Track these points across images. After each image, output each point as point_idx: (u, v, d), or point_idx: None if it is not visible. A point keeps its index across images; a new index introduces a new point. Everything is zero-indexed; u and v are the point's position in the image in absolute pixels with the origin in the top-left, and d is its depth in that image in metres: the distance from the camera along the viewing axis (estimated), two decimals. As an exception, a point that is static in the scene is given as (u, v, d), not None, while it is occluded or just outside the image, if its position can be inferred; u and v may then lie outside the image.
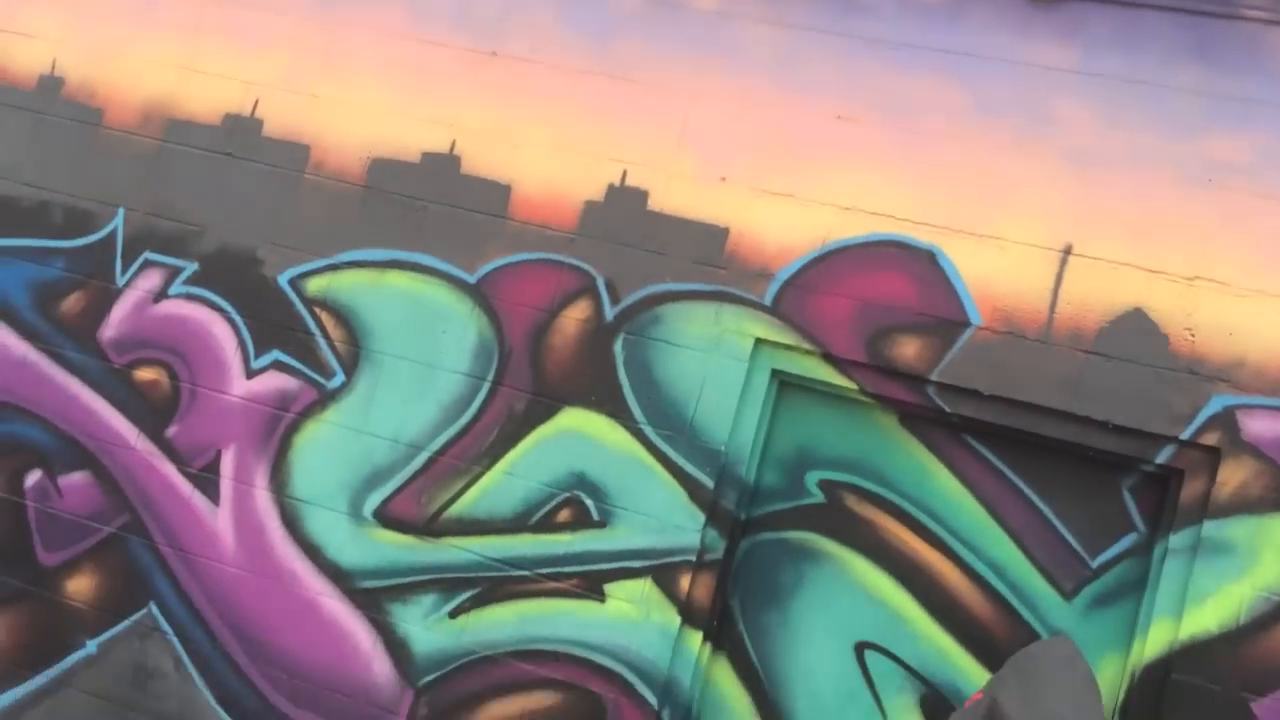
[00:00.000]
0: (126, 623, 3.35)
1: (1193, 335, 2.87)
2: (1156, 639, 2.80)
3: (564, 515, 3.15)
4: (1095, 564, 2.99)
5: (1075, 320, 2.94)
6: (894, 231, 3.09)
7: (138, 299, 3.50)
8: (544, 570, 3.14)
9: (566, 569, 3.13)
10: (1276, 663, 2.70)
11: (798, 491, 3.21)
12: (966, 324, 3.00)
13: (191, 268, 3.48)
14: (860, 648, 3.09)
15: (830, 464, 3.19)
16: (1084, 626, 2.96)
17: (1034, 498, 3.05)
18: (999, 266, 3.01)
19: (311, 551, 3.25)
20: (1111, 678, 2.92)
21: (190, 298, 3.47)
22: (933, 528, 3.09)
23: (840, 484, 3.18)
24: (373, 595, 3.21)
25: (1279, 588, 2.73)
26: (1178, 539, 2.83)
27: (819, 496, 3.19)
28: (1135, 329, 2.90)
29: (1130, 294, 2.92)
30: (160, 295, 3.48)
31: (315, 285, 3.40)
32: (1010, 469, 3.07)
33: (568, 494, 3.16)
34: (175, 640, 3.30)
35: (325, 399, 3.33)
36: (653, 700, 3.02)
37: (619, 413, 3.17)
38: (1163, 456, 2.89)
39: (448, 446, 3.24)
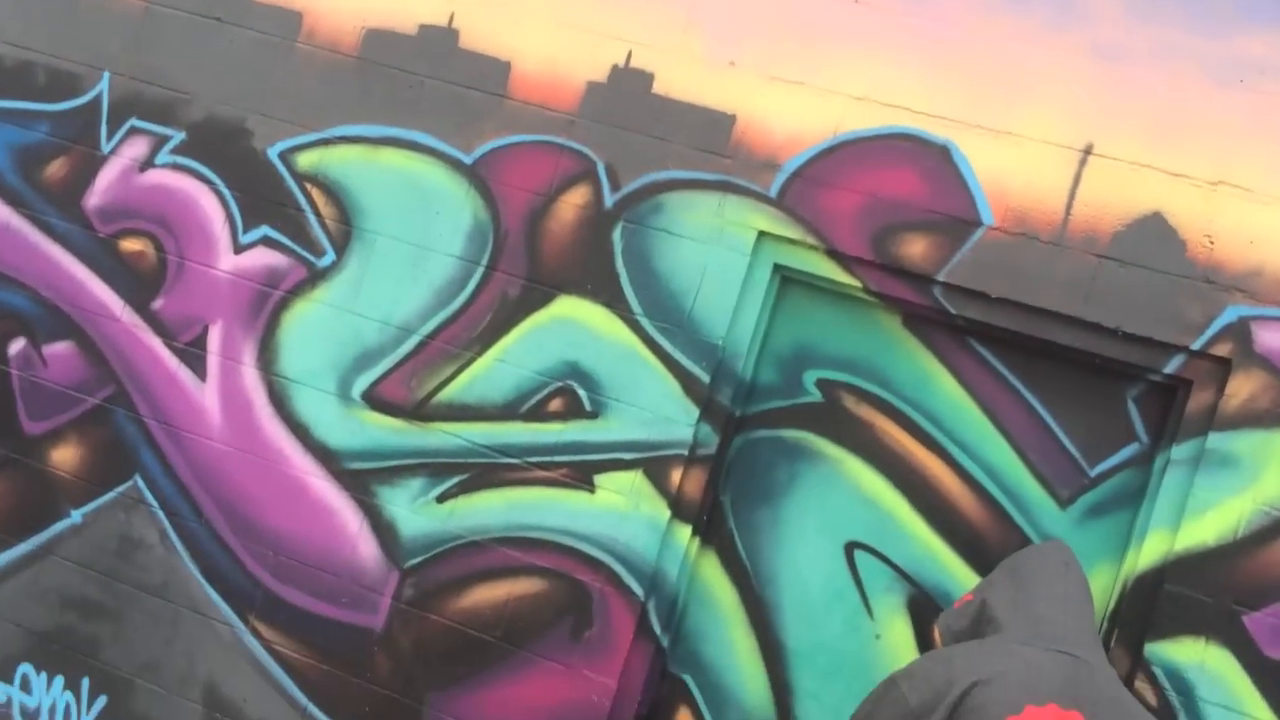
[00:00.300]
0: (111, 494, 3.33)
1: (1211, 242, 2.77)
2: (1151, 549, 2.77)
3: (555, 404, 3.10)
4: (1094, 473, 2.94)
5: (1091, 223, 2.83)
6: (908, 124, 2.96)
7: (124, 167, 3.39)
8: (533, 459, 3.10)
9: (557, 458, 3.09)
10: (1272, 577, 2.66)
11: (795, 390, 3.14)
12: (978, 224, 2.90)
13: (179, 136, 3.37)
14: (850, 548, 3.06)
15: (830, 363, 3.12)
16: (1078, 535, 2.92)
17: (1036, 405, 2.98)
18: (1015, 164, 2.89)
19: (299, 431, 3.21)
20: (1103, 586, 2.89)
21: (177, 168, 3.36)
22: (930, 431, 3.04)
23: (839, 384, 3.11)
24: (360, 477, 3.17)
25: (1280, 503, 2.68)
26: (1180, 450, 2.77)
27: (816, 396, 3.13)
28: (1152, 233, 2.80)
29: (1150, 197, 2.81)
30: (146, 164, 3.38)
31: (306, 160, 3.29)
32: (1014, 375, 3.00)
33: (560, 383, 3.10)
34: (160, 513, 3.28)
35: (315, 277, 3.25)
36: (639, 591, 3.00)
37: (615, 302, 3.09)
38: (1171, 366, 2.81)
39: (439, 331, 3.16)
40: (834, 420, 3.10)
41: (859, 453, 3.08)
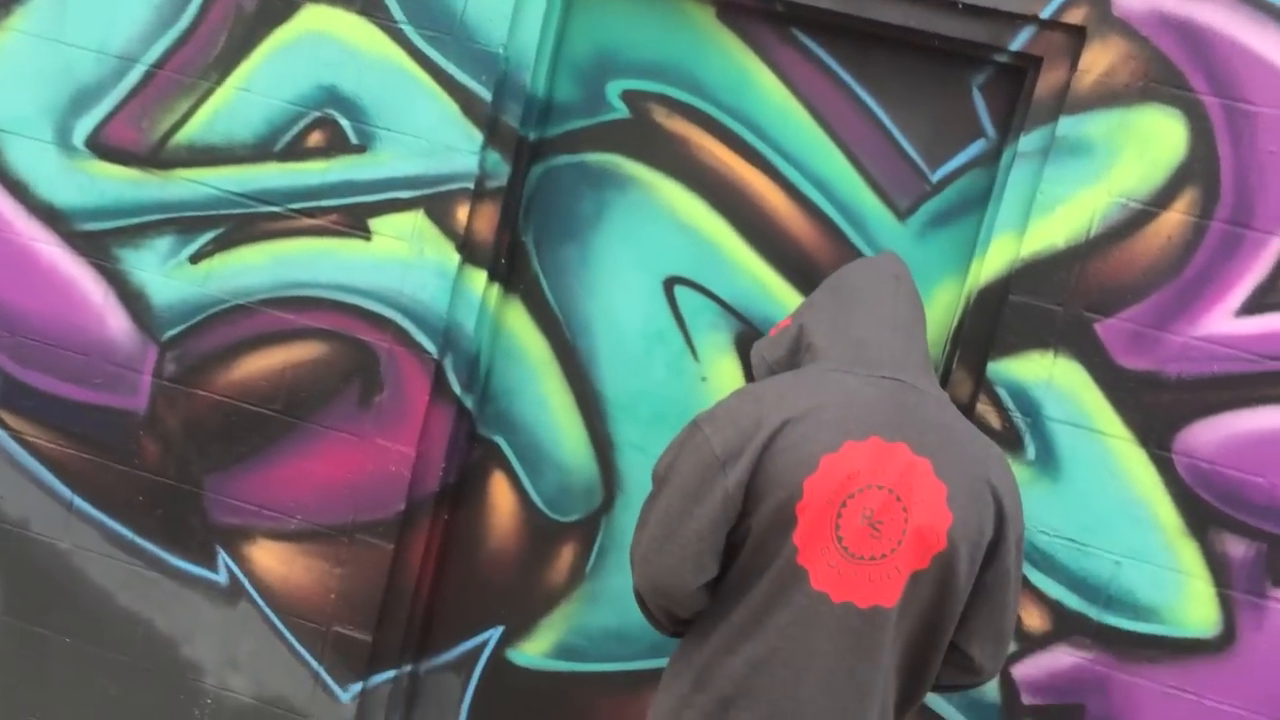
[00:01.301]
0: None
1: (1065, -116, 2.30)
2: (997, 258, 2.42)
3: (315, 139, 2.64)
4: (936, 178, 2.56)
5: None
6: None
7: None
8: (297, 205, 2.66)
9: (323, 203, 2.65)
10: (1127, 279, 2.34)
11: (597, 106, 2.70)
12: (793, -119, 2.39)
13: None
14: (669, 283, 2.70)
15: (636, 71, 2.67)
16: (919, 249, 2.57)
17: (870, 102, 2.56)
18: None
19: (16, 190, 2.73)
20: (946, 304, 2.57)
21: None
22: (753, 142, 2.62)
23: (647, 95, 2.67)
24: (97, 239, 2.72)
25: (1138, 193, 2.32)
26: (1028, 140, 2.39)
27: (622, 111, 2.69)
28: (995, -123, 2.32)
29: None
30: None
31: None
32: (844, 69, 2.56)
33: (318, 113, 2.63)
34: None
35: (8, 1, 2.68)
36: (432, 348, 2.64)
37: (371, 8, 2.58)
38: (1019, 42, 2.39)
39: (166, 58, 2.65)
40: (644, 138, 2.68)
41: (674, 174, 2.67)
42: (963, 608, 1.86)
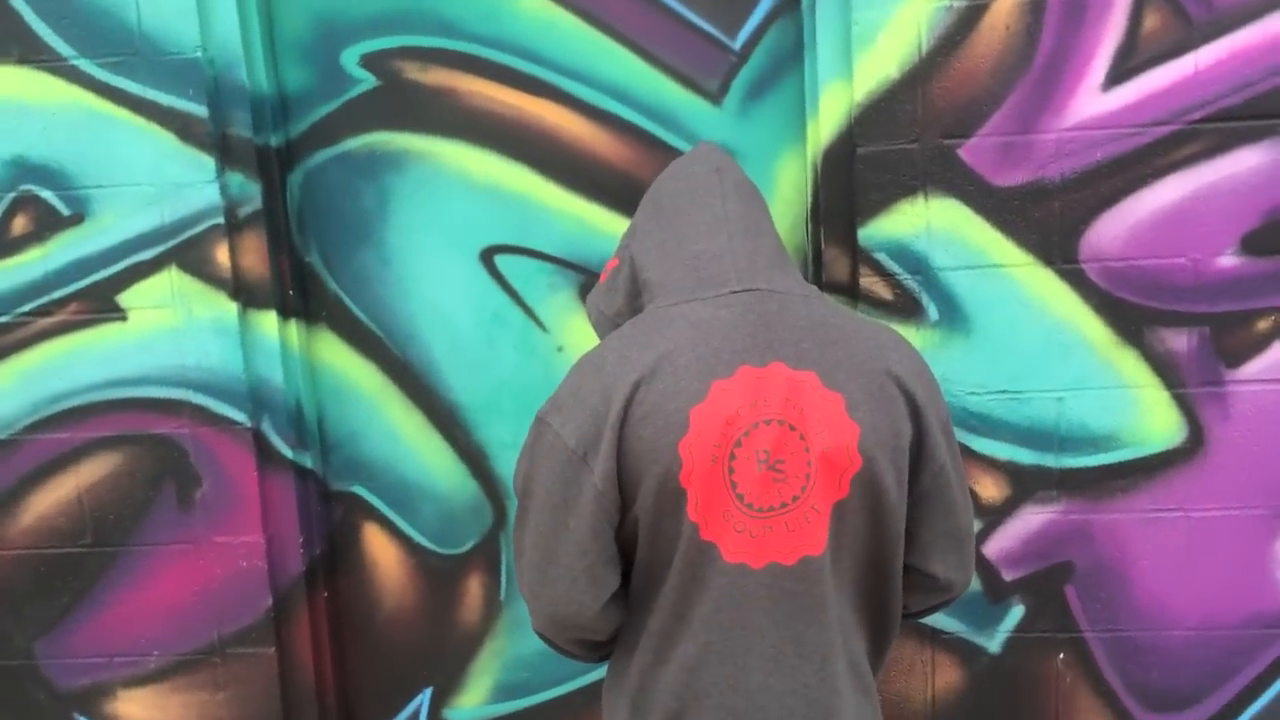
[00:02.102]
0: None
1: None
2: (831, 112, 2.11)
3: (20, 224, 2.19)
4: (738, 44, 2.23)
5: None
6: None
7: None
8: (26, 308, 2.21)
9: (55, 295, 2.21)
10: (977, 88, 2.05)
11: (339, 82, 2.29)
12: None
13: None
14: (488, 256, 2.33)
15: (369, 29, 2.26)
16: (744, 128, 2.25)
17: (640, -16, 2.21)
18: None
19: None
20: (794, 180, 2.26)
21: None
22: (526, 70, 2.26)
23: (391, 53, 2.27)
24: None
25: (959, -10, 2.02)
26: (822, -29, 2.07)
27: (369, 79, 2.29)
28: None
29: None
30: None
31: None
32: (598, -46, 2.21)
33: (13, 194, 2.18)
34: None
35: None
36: (241, 417, 2.23)
37: (32, 53, 2.13)
38: None
39: None
40: (403, 104, 2.28)
41: (451, 133, 2.29)
42: (904, 524, 1.56)
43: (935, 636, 2.24)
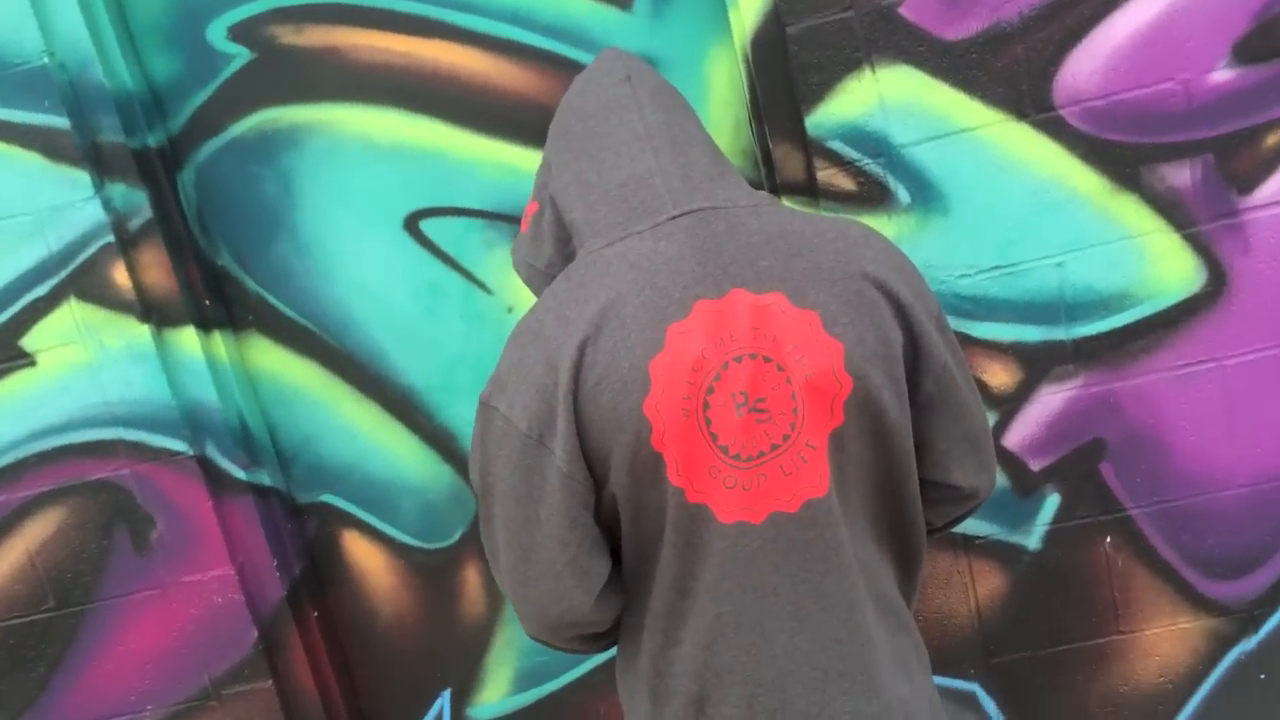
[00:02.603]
0: None
1: None
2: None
3: (-106, 284, 2.00)
4: (637, -63, 1.98)
5: None
6: None
7: None
8: (-73, 371, 2.03)
9: (-49, 351, 2.03)
10: (907, -63, 1.80)
11: (210, 62, 2.07)
12: None
13: None
14: (412, 222, 2.13)
15: (230, -1, 2.04)
16: (661, 31, 2.01)
17: (513, -112, 1.96)
18: None
19: None
20: (727, 78, 2.02)
21: None
22: (410, 10, 2.02)
23: (260, 19, 2.05)
24: None
25: None
26: None
27: (242, 53, 2.06)
28: None
29: None
30: None
31: None
32: None
33: (-123, 253, 1.99)
34: None
35: None
36: (181, 446, 2.06)
37: None
38: None
39: None
40: (285, 72, 2.06)
41: (343, 96, 2.07)
42: (912, 439, 1.36)
43: (969, 544, 2.06)
